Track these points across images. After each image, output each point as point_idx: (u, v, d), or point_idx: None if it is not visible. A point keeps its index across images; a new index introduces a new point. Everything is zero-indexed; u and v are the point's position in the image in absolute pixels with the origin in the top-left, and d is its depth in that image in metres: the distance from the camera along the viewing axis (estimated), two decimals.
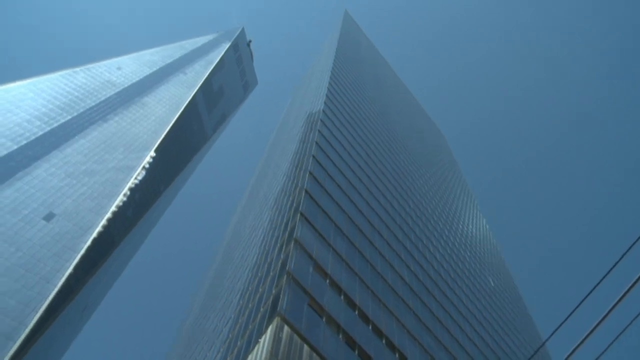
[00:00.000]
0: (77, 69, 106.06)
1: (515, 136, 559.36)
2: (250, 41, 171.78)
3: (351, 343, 27.12)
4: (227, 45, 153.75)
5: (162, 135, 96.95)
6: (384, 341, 30.56)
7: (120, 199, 74.63)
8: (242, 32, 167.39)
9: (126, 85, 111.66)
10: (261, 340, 23.80)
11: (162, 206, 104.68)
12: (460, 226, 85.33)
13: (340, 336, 26.72)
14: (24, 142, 77.55)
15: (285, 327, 23.57)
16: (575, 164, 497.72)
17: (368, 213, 45.30)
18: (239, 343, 28.23)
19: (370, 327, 30.26)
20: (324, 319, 26.59)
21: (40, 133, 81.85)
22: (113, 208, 71.63)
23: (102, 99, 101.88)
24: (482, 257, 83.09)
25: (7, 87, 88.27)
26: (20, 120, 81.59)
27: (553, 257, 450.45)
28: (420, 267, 48.46)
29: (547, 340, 12.16)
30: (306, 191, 37.01)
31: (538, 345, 70.08)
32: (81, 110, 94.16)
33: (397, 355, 30.81)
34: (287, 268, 27.91)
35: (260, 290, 31.21)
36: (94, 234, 65.91)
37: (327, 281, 29.86)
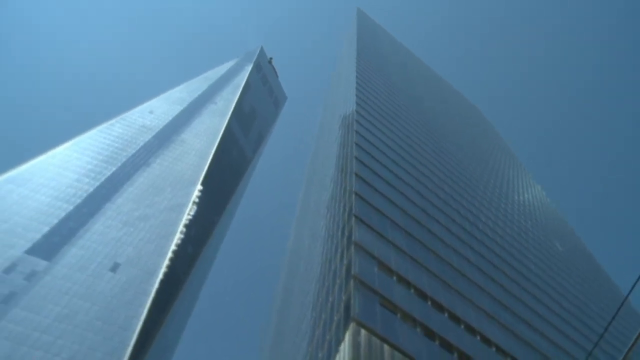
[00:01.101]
0: (113, 121, 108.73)
1: (546, 95, 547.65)
2: (271, 58, 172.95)
3: (430, 334, 26.90)
4: (249, 67, 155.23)
5: (205, 168, 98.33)
6: (462, 326, 30.20)
7: (178, 237, 75.97)
8: (262, 51, 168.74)
9: (161, 127, 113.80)
10: (341, 349, 23.81)
11: (219, 235, 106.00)
12: (516, 197, 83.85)
13: (418, 329, 26.53)
14: (79, 201, 79.86)
15: (362, 331, 23.54)
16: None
17: (421, 202, 44.95)
18: (319, 355, 28.31)
19: (446, 315, 29.96)
20: (398, 316, 26.45)
21: (91, 189, 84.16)
22: (173, 247, 72.95)
23: (142, 144, 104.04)
24: (544, 224, 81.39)
25: (53, 153, 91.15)
26: (71, 181, 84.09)
27: (612, 210, 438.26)
28: (484, 245, 47.78)
29: (629, 293, 11.85)
30: (356, 193, 36.97)
31: (621, 301, 68.02)
32: (124, 159, 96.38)
33: (478, 337, 30.41)
34: (352, 272, 27.89)
35: (330, 299, 31.25)
36: (160, 276, 67.24)
37: (394, 277, 29.71)
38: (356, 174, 40.24)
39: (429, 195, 48.68)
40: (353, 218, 33.55)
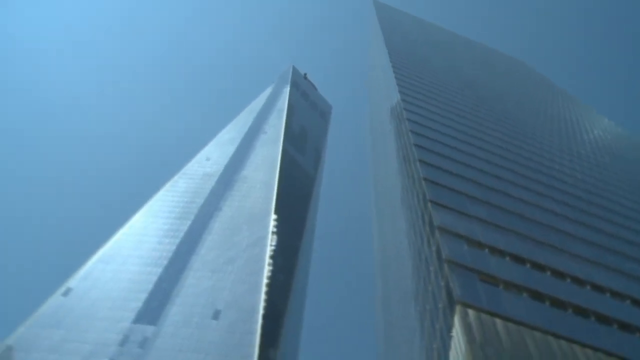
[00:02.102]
0: (175, 178, 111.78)
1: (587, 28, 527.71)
2: (305, 74, 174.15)
3: (538, 296, 26.35)
4: (287, 89, 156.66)
5: (274, 197, 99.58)
6: (568, 280, 29.44)
7: (267, 270, 77.09)
8: (294, 70, 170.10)
9: (221, 170, 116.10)
10: (453, 334, 23.66)
11: (306, 256, 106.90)
12: (586, 136, 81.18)
13: (524, 294, 26.04)
14: (165, 262, 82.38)
15: (469, 311, 23.31)
16: None
17: (490, 169, 44.17)
18: (434, 346, 28.17)
19: (548, 273, 29.28)
20: (500, 287, 26.06)
21: (174, 247, 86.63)
22: (265, 281, 74.06)
23: (208, 192, 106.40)
24: (624, 154, 78.36)
25: (130, 224, 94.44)
26: (153, 245, 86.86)
27: None
28: (566, 192, 46.46)
29: None
30: (425, 179, 36.73)
31: None
32: (196, 211, 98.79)
33: (589, 287, 29.56)
34: (443, 257, 27.69)
35: (430, 288, 31.09)
36: (261, 311, 68.35)
37: (486, 250, 29.30)
38: (420, 160, 40.00)
39: (496, 159, 47.80)
40: (429, 204, 33.35)
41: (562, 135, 73.96)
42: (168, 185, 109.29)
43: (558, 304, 26.36)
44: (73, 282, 76.69)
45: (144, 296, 74.20)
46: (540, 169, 51.20)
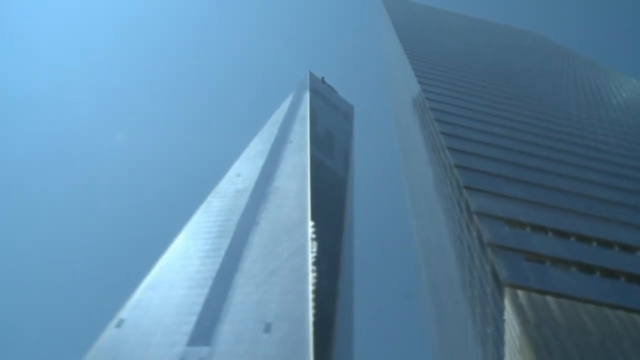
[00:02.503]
0: (209, 198, 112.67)
1: None
2: (322, 78, 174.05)
3: (587, 268, 25.86)
4: (307, 95, 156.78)
5: (308, 204, 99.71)
6: (616, 248, 28.84)
7: (312, 278, 77.18)
8: (311, 75, 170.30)
9: (253, 184, 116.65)
10: (506, 317, 23.37)
11: (348, 259, 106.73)
12: (614, 100, 79.59)
13: (573, 269, 25.59)
14: (210, 282, 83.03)
15: (519, 292, 23.00)
16: None
17: (520, 147, 43.63)
18: (488, 331, 27.86)
19: (594, 244, 28.72)
20: (547, 263, 25.67)
21: (217, 267, 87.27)
22: (310, 287, 74.13)
23: (243, 207, 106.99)
24: None
25: (171, 249, 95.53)
26: (197, 267, 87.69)
27: None
28: (601, 160, 45.60)
29: None
30: (456, 165, 36.45)
31: None
32: (234, 228, 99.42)
33: (639, 253, 28.90)
34: (484, 241, 27.40)
35: (476, 274, 30.80)
36: (311, 319, 68.42)
37: (527, 228, 28.91)
38: (448, 148, 39.71)
39: (526, 136, 47.18)
40: (464, 190, 33.09)
41: (590, 103, 72.68)
42: (203, 206, 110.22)
43: (609, 273, 25.84)
44: (124, 312, 77.81)
45: (194, 318, 74.87)
46: (573, 140, 50.40)
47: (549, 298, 22.69)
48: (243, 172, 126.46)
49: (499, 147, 41.95)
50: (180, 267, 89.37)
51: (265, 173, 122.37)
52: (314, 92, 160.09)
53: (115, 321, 75.53)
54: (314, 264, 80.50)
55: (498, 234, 27.77)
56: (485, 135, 44.61)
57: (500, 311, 24.28)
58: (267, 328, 69.81)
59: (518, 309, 22.07)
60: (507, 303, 23.06)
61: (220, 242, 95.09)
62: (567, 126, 55.58)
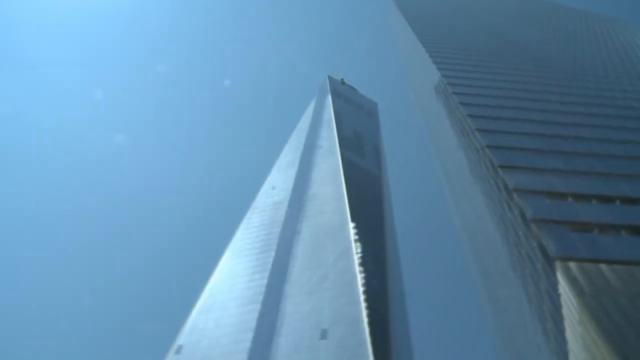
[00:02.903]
0: (247, 214, 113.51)
1: None
2: (342, 79, 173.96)
3: (637, 231, 25.30)
4: (329, 99, 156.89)
5: (347, 206, 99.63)
6: None
7: (360, 278, 77.05)
8: (330, 78, 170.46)
9: (289, 195, 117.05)
10: (560, 291, 23.01)
11: (394, 257, 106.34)
12: None
13: (622, 232, 25.09)
14: (261, 297, 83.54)
15: (571, 264, 22.64)
16: None
17: (551, 118, 42.99)
18: (544, 308, 27.45)
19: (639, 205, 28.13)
20: (595, 231, 25.20)
21: (266, 281, 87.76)
22: (360, 289, 74.02)
23: (282, 219, 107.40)
24: None
25: (218, 270, 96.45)
26: (246, 284, 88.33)
27: None
28: (636, 118, 44.59)
29: None
30: (488, 146, 36.10)
31: None
32: (276, 240, 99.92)
33: None
34: (528, 217, 27.06)
35: (523, 252, 30.42)
36: (365, 319, 68.32)
37: (569, 198, 28.45)
38: (477, 130, 39.35)
39: (554, 106, 46.46)
40: (499, 169, 32.74)
41: (614, 61, 71.20)
42: (243, 223, 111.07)
43: None
44: (181, 338, 78.81)
45: (250, 335, 75.38)
46: (603, 102, 49.48)
47: (602, 266, 22.27)
48: (277, 183, 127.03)
49: (527, 121, 41.41)
50: (229, 287, 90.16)
51: (299, 182, 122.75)
52: (336, 94, 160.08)
53: (174, 348, 76.51)
54: (361, 264, 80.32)
55: (540, 209, 27.39)
56: (512, 111, 44.08)
57: (554, 286, 23.92)
58: (324, 334, 69.89)
59: (572, 281, 21.71)
60: (560, 277, 22.72)
61: (265, 257, 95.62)
62: (595, 89, 54.57)
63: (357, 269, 79.02)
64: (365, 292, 74.09)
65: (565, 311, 23.01)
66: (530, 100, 47.96)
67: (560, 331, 24.36)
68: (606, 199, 28.41)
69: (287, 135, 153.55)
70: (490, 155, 34.70)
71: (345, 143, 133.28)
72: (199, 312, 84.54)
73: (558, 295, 23.53)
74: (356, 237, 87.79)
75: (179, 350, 76.15)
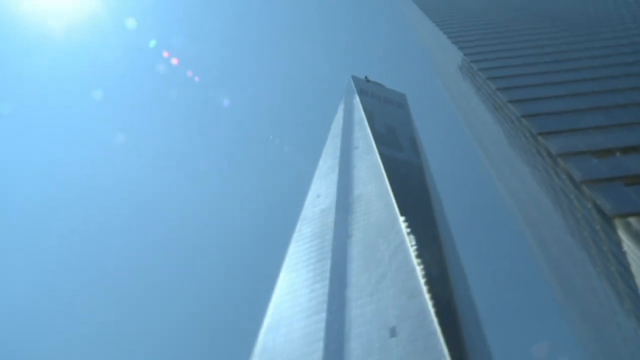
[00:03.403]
0: (297, 226, 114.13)
1: None
2: (366, 77, 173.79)
3: None
4: (356, 99, 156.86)
5: (393, 201, 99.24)
6: None
7: (419, 270, 76.55)
8: (355, 78, 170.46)
9: (335, 200, 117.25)
10: (625, 249, 22.52)
11: (449, 243, 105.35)
12: None
13: None
14: (325, 305, 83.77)
15: (630, 220, 22.12)
16: None
17: (582, 75, 42.05)
18: (612, 269, 26.83)
19: None
20: None
21: (326, 289, 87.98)
22: (421, 280, 73.61)
23: (332, 225, 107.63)
24: None
25: (278, 287, 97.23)
26: (308, 295, 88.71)
27: None
28: None
29: None
30: (523, 116, 35.54)
31: None
32: (330, 246, 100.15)
33: None
34: (577, 180, 26.50)
35: (580, 216, 29.86)
36: (431, 310, 67.90)
37: (616, 154, 27.77)
38: (510, 102, 38.77)
39: (581, 63, 45.41)
40: (539, 137, 32.18)
41: None
42: (295, 236, 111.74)
43: None
44: (254, 359, 79.72)
45: (321, 345, 75.60)
46: (636, 49, 48.19)
47: None
48: (321, 191, 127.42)
49: (558, 84, 40.59)
50: (292, 300, 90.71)
51: (342, 185, 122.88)
52: (362, 93, 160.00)
53: None
54: (417, 256, 79.84)
55: (589, 169, 26.81)
56: (541, 76, 43.29)
57: (618, 244, 23.38)
58: (393, 332, 69.63)
59: (635, 236, 21.19)
60: (621, 234, 22.20)
61: (322, 265, 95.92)
62: (624, 37, 53.26)
63: (414, 261, 78.53)
64: (426, 283, 73.53)
65: (634, 267, 22.46)
66: (557, 62, 47.03)
67: (633, 289, 23.75)
68: None
69: (319, 140, 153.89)
70: (528, 124, 34.13)
71: (380, 139, 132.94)
72: (266, 330, 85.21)
73: (623, 254, 22.98)
74: (408, 229, 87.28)
75: None
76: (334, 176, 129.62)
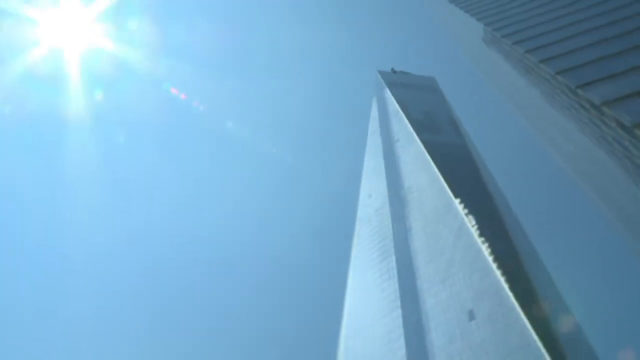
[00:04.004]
0: (356, 230, 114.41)
1: None
2: (392, 68, 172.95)
3: None
4: (387, 93, 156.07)
5: (445, 185, 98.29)
6: None
7: (485, 248, 75.50)
8: (381, 73, 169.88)
9: (387, 198, 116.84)
10: None
11: (509, 215, 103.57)
12: None
13: None
14: (398, 302, 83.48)
15: None
16: None
17: (612, 16, 40.85)
18: None
19: None
20: None
21: (397, 285, 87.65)
22: (489, 258, 72.71)
23: (389, 221, 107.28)
24: None
25: (347, 293, 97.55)
26: (379, 296, 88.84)
27: None
28: None
29: None
30: (557, 73, 34.88)
31: None
32: (391, 243, 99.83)
33: None
34: (627, 125, 25.88)
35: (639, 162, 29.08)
36: (505, 285, 66.98)
37: None
38: (540, 62, 38.08)
39: (610, 4, 44.17)
40: (578, 91, 31.54)
41: None
42: (355, 240, 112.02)
43: None
44: None
45: (402, 342, 75.47)
46: None
47: None
48: (372, 190, 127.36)
49: (585, 33, 39.57)
50: (365, 304, 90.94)
51: (391, 181, 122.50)
52: (392, 85, 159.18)
53: None
54: (480, 235, 78.87)
55: (637, 112, 26.12)
56: (566, 29, 42.29)
57: None
58: (471, 315, 68.81)
59: None
60: None
61: (387, 263, 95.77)
62: None
63: (479, 240, 77.57)
64: (495, 259, 72.45)
65: None
66: (579, 10, 45.86)
67: None
68: None
69: (357, 140, 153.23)
70: (564, 80, 33.49)
71: (419, 126, 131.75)
72: (346, 337, 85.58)
73: None
74: (465, 210, 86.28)
75: None
76: (381, 173, 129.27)
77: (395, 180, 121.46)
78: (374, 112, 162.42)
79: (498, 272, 69.84)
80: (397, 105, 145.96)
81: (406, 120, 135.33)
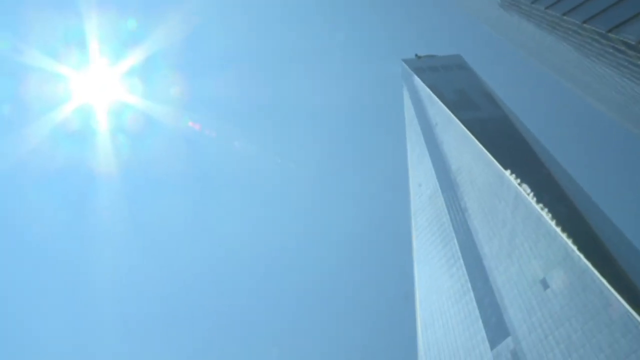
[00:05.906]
0: (412, 221, 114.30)
1: None
2: (416, 54, 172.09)
3: None
4: (416, 79, 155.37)
5: (493, 160, 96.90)
6: None
7: (545, 213, 73.95)
8: (407, 61, 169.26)
9: (437, 184, 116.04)
10: None
11: (564, 177, 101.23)
12: None
13: None
14: (469, 284, 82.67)
15: None
16: None
17: None
18: None
19: None
20: None
21: (464, 269, 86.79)
22: (551, 222, 71.31)
23: (444, 206, 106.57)
24: None
25: (416, 283, 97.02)
26: (449, 282, 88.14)
27: None
28: None
29: None
30: (584, 22, 33.97)
31: None
32: (450, 227, 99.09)
33: None
34: None
35: None
36: (573, 246, 65.48)
37: None
38: (563, 15, 37.15)
39: None
40: (610, 35, 30.65)
41: None
42: (414, 231, 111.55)
43: None
44: (422, 357, 79.85)
45: (480, 323, 74.53)
46: None
47: None
48: (421, 179, 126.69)
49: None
50: (437, 291, 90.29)
51: (438, 166, 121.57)
52: (419, 71, 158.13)
53: None
54: (537, 201, 77.28)
55: None
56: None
57: None
58: (545, 284, 67.32)
59: None
60: None
61: (450, 247, 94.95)
62: None
63: (537, 207, 76.00)
64: (558, 223, 70.76)
65: None
66: None
67: None
68: None
69: (395, 133, 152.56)
70: (592, 27, 32.58)
71: (456, 106, 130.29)
72: (423, 328, 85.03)
73: None
74: (517, 180, 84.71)
75: None
76: (427, 160, 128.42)
77: (442, 164, 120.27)
78: (407, 101, 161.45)
79: (564, 235, 68.21)
80: (428, 90, 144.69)
81: (440, 103, 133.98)
